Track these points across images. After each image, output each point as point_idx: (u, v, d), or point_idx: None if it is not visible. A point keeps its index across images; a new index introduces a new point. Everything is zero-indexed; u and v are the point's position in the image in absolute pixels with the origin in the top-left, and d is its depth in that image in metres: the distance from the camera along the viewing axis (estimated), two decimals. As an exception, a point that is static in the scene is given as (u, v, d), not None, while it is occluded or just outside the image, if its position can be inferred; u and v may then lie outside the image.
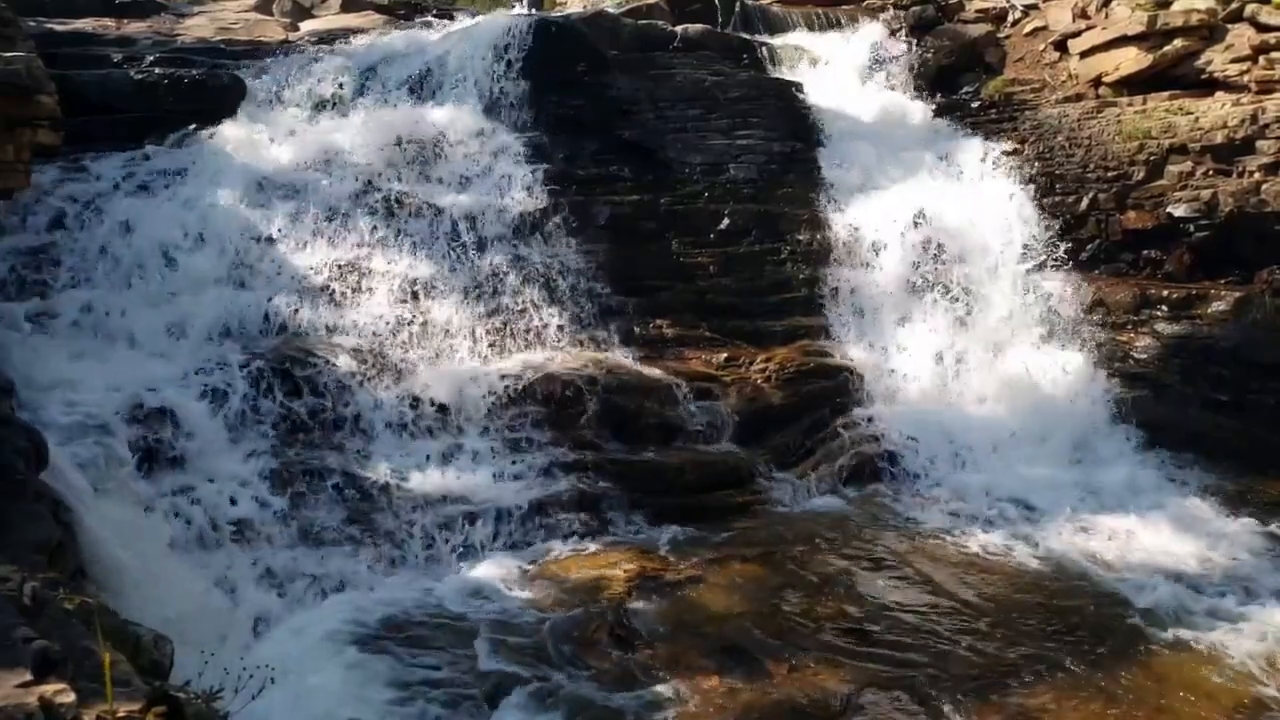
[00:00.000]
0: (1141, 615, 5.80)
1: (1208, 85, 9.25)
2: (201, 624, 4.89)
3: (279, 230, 8.11)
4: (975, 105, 10.76)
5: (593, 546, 6.60)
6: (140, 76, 8.91)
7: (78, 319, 7.09)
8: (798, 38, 12.06)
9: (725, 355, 8.41)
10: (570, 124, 9.61)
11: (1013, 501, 7.39)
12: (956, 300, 9.00)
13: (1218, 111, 8.75)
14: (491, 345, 7.86)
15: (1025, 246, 9.21)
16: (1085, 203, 9.31)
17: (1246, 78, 8.91)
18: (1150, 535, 6.80)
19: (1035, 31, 11.09)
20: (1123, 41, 9.78)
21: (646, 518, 6.99)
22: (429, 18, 11.53)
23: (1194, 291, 8.62)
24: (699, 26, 11.11)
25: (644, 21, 11.06)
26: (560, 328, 8.16)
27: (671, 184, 9.47)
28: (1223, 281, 8.71)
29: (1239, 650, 5.39)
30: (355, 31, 10.95)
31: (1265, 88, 8.74)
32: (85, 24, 10.42)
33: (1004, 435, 8.11)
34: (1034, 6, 11.30)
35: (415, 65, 9.92)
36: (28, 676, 2.49)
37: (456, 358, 7.70)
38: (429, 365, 7.56)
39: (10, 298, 7.09)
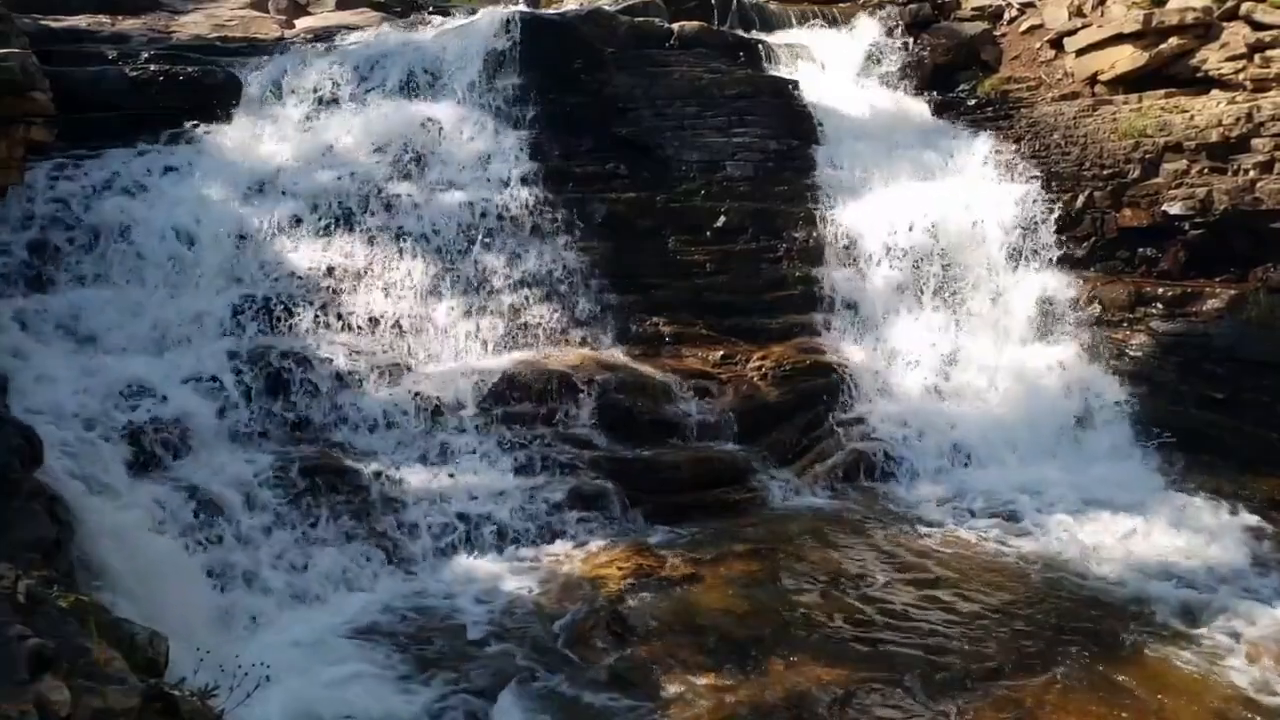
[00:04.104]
0: (1137, 612, 5.82)
1: (1203, 83, 9.26)
2: (197, 622, 4.88)
3: (275, 227, 8.10)
4: (972, 103, 10.77)
5: (589, 544, 6.60)
6: (135, 74, 8.87)
7: (73, 316, 7.07)
8: (794, 35, 12.05)
9: (721, 353, 8.42)
10: (566, 121, 9.59)
11: (1008, 499, 7.40)
12: (952, 298, 9.01)
13: (1213, 110, 8.75)
14: (488, 343, 7.86)
15: (1021, 244, 9.21)
16: (1081, 200, 9.31)
17: (1242, 76, 8.92)
18: (1146, 532, 6.81)
19: (1031, 29, 11.10)
20: (1118, 39, 9.79)
21: (643, 515, 7.00)
22: (425, 15, 11.50)
23: (1189, 289, 8.62)
24: (695, 24, 11.09)
25: (640, 19, 11.04)
26: (557, 325, 8.17)
27: (668, 182, 9.47)
28: (1217, 279, 8.72)
29: (1235, 648, 5.41)
30: (351, 28, 10.91)
31: (1260, 86, 8.75)
32: (80, 20, 10.38)
33: (999, 433, 8.13)
34: (1030, 4, 11.30)
35: (411, 62, 9.90)
36: (22, 675, 2.48)
37: (453, 355, 7.70)
38: (425, 363, 7.57)
39: (5, 294, 7.08)
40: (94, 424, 6.11)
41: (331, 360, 7.24)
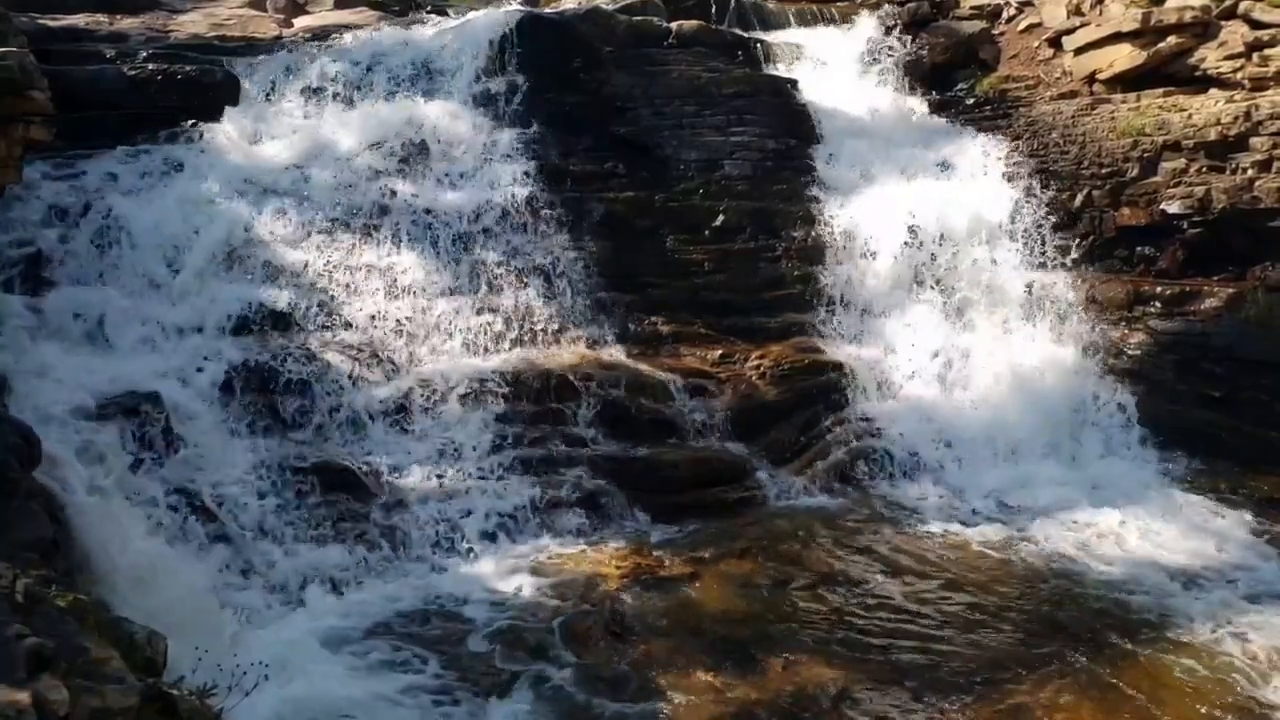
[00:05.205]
0: (1133, 608, 5.83)
1: (1201, 82, 9.25)
2: (195, 621, 4.87)
3: (272, 226, 8.10)
4: (970, 102, 10.76)
5: (588, 543, 6.61)
6: (134, 73, 8.87)
7: (71, 315, 7.07)
8: (792, 34, 12.05)
9: (720, 352, 8.41)
10: (565, 120, 9.59)
11: (1006, 498, 7.41)
12: (950, 297, 9.01)
13: (1211, 109, 8.75)
14: (486, 342, 7.85)
15: (1019, 243, 9.21)
16: (1079, 199, 9.31)
17: (1240, 75, 8.91)
18: (1144, 531, 6.82)
19: (1030, 28, 11.08)
20: (1117, 38, 9.78)
21: (642, 514, 7.01)
22: (423, 14, 11.50)
23: (1187, 288, 8.62)
24: (694, 23, 11.09)
25: (639, 18, 11.03)
26: (555, 324, 8.16)
27: (666, 181, 9.46)
28: (1216, 278, 8.70)
29: (1232, 646, 5.41)
30: (349, 28, 10.91)
31: (1259, 85, 8.74)
32: (78, 19, 10.37)
33: (998, 432, 8.12)
34: (1028, 3, 11.29)
35: (409, 61, 9.90)
36: (21, 674, 2.48)
37: (451, 354, 7.69)
38: (425, 362, 7.56)
39: (3, 293, 7.07)
40: (92, 422, 6.10)
41: (330, 360, 7.23)
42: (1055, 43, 10.64)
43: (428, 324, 7.83)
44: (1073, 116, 9.71)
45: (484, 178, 8.93)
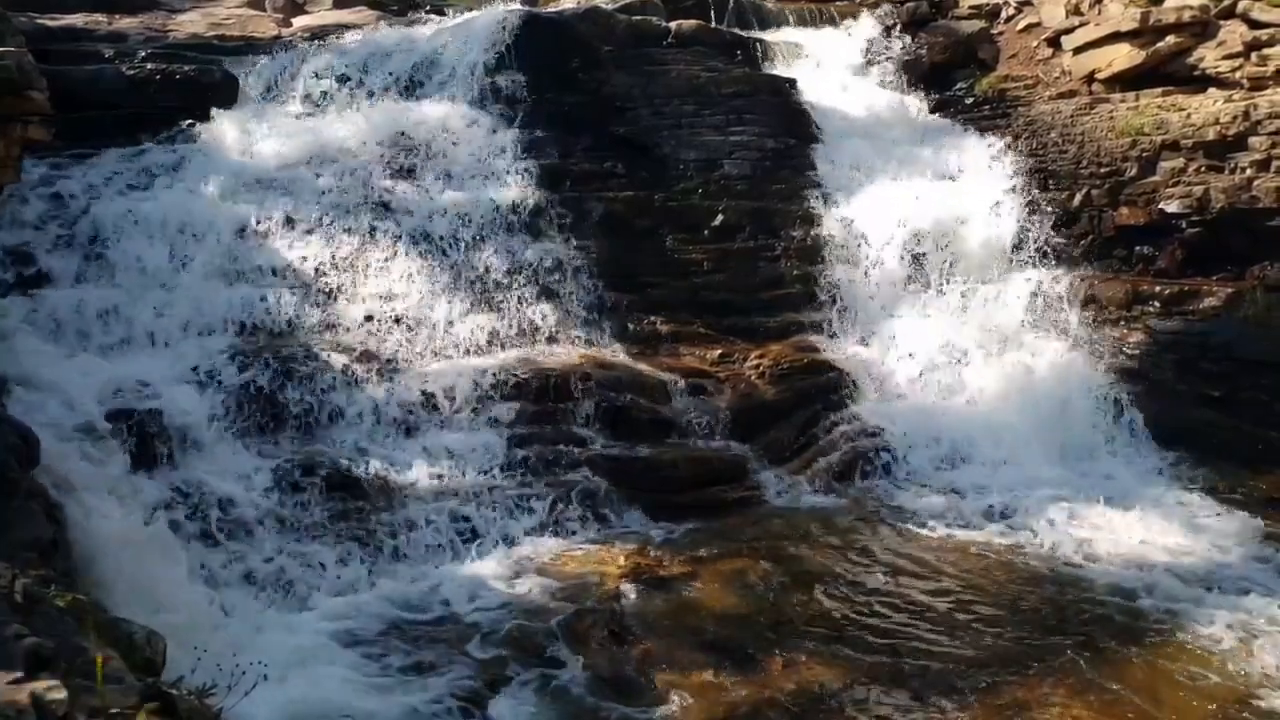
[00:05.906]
0: (1135, 610, 5.82)
1: (1200, 82, 9.26)
2: (195, 621, 4.87)
3: (271, 226, 8.09)
4: (969, 102, 10.77)
5: (587, 542, 6.59)
6: (133, 72, 8.87)
7: (70, 315, 7.06)
8: (791, 34, 12.06)
9: (719, 351, 8.41)
10: (563, 120, 9.59)
11: (1006, 498, 7.37)
12: (949, 297, 9.01)
13: (1210, 108, 8.75)
14: (486, 341, 7.85)
15: (1018, 243, 9.22)
16: (1078, 199, 9.32)
17: (1239, 74, 8.92)
18: (1144, 530, 6.81)
19: (1029, 28, 11.10)
20: (1116, 38, 9.79)
21: (641, 514, 6.99)
22: (422, 13, 11.51)
23: (1186, 288, 8.62)
24: (693, 22, 11.09)
25: (638, 17, 11.03)
26: (554, 324, 8.16)
27: (666, 180, 9.46)
28: (1215, 278, 8.70)
29: (1231, 644, 5.41)
30: (347, 27, 10.92)
31: (1257, 84, 8.75)
32: (77, 19, 10.37)
33: (997, 432, 8.11)
34: (1027, 3, 11.30)
35: (408, 61, 9.91)
36: (19, 674, 2.47)
37: (450, 354, 7.69)
38: (422, 361, 7.56)
39: (2, 294, 7.06)
40: (91, 423, 6.09)
41: (329, 358, 7.22)
42: (1054, 42, 10.65)
43: (428, 325, 7.83)
44: (1071, 116, 9.72)
45: (483, 178, 8.93)
